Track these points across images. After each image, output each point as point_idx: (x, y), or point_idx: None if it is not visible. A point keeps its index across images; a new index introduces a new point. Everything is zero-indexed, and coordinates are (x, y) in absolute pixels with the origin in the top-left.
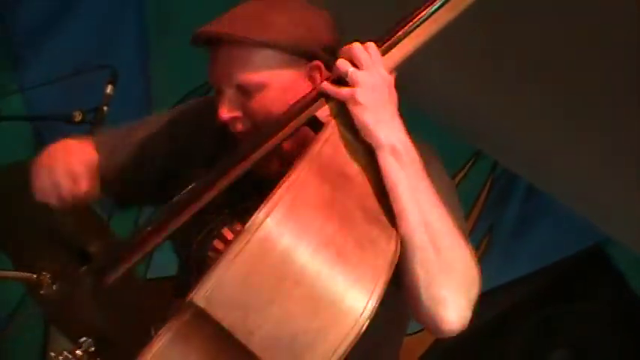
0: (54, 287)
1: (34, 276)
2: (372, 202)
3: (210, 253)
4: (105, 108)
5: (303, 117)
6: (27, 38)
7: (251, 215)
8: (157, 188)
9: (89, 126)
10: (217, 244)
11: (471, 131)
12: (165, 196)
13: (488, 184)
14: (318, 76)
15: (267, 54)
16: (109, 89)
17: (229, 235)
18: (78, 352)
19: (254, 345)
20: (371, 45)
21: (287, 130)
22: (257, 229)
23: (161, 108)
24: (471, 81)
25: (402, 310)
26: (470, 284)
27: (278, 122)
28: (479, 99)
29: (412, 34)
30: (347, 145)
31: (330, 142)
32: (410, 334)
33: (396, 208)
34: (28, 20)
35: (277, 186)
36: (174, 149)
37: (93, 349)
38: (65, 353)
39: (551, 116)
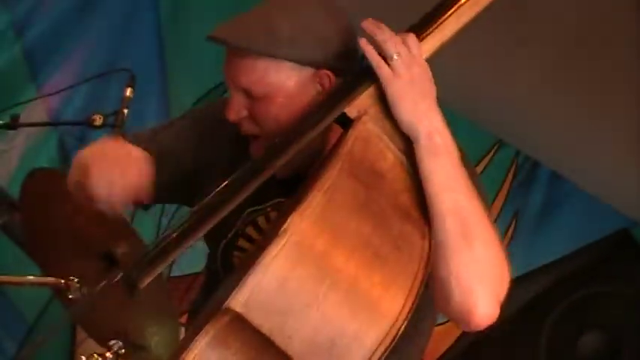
0: (82, 291)
1: (62, 281)
2: (405, 198)
3: (235, 252)
4: (125, 110)
5: (335, 112)
6: (44, 46)
7: (279, 214)
8: (183, 191)
9: (110, 129)
10: (242, 242)
11: (493, 121)
12: (190, 197)
13: (511, 171)
14: (327, 83)
15: (271, 64)
16: (128, 92)
17: (254, 234)
18: (108, 354)
19: (292, 349)
20: (411, 35)
21: (317, 130)
22: (293, 232)
23: (179, 108)
24: (493, 71)
25: (429, 306)
26: (501, 278)
27: (307, 122)
28: (501, 89)
29: (446, 23)
30: (378, 140)
31: (361, 139)
32: (438, 324)
33: (430, 198)
34: (43, 28)
35: (311, 187)
36: (198, 153)
37: (123, 351)
38: (95, 355)
39: (574, 104)
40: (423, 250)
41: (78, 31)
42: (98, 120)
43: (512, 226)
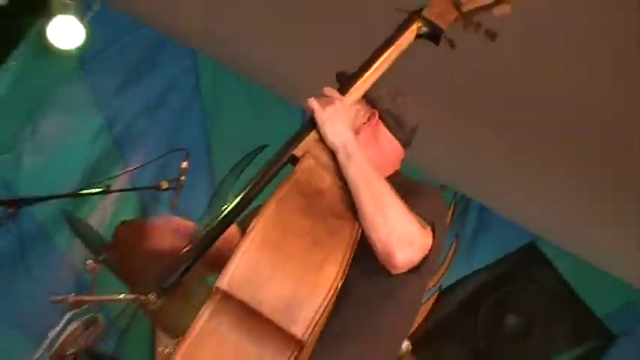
0: (158, 303)
1: (143, 297)
2: (340, 206)
3: None
4: (182, 178)
5: (287, 153)
6: (127, 136)
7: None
8: None
9: (172, 191)
10: None
11: (439, 171)
12: None
13: (452, 205)
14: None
15: None
16: (184, 164)
17: None
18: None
19: (263, 310)
20: (329, 89)
21: (281, 162)
22: (257, 229)
23: (220, 178)
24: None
25: (387, 288)
26: (410, 235)
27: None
28: (448, 151)
29: (361, 81)
30: (318, 170)
31: (305, 170)
32: None
33: (353, 190)
34: (126, 123)
35: (268, 200)
36: None
37: None
38: (169, 346)
39: (494, 150)
40: (352, 236)
41: (150, 123)
42: (164, 185)
43: (455, 243)
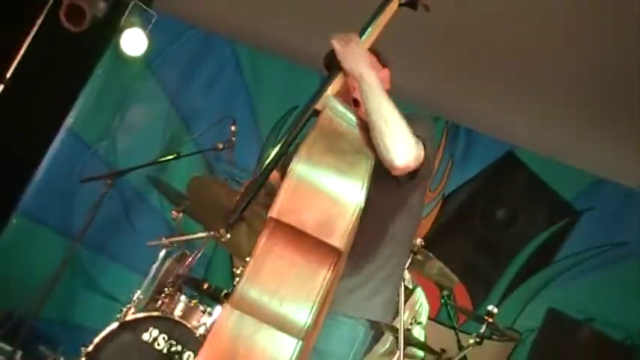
0: (228, 236)
1: (217, 232)
2: (357, 142)
3: None
4: (233, 139)
5: (312, 106)
6: (191, 114)
7: None
8: None
9: (226, 150)
10: None
11: (434, 106)
12: None
13: (445, 131)
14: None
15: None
16: (233, 128)
17: None
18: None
19: (308, 229)
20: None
21: (307, 114)
22: (295, 169)
23: (265, 135)
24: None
25: (400, 200)
26: (407, 144)
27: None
28: (436, 87)
29: (369, 33)
30: (336, 117)
31: (326, 119)
32: None
33: (366, 104)
34: (190, 103)
35: (305, 138)
36: None
37: None
38: (240, 268)
39: (480, 88)
40: (368, 163)
41: (205, 102)
42: (220, 146)
43: (451, 160)
